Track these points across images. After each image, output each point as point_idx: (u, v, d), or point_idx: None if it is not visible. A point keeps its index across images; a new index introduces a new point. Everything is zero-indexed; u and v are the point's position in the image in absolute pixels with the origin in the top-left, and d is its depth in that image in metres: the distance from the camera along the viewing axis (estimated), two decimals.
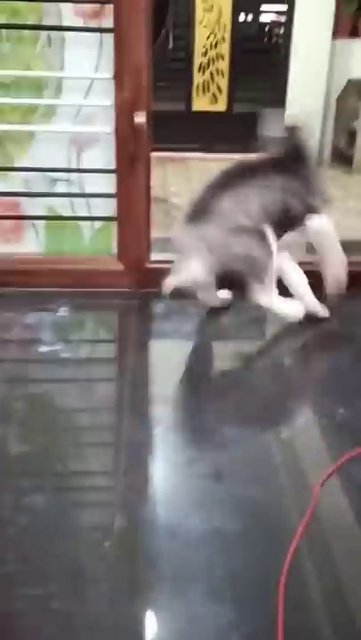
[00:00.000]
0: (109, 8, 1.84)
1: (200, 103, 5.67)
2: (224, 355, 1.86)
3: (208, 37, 5.44)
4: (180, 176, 4.96)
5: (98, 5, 1.87)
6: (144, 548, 1.07)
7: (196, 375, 1.71)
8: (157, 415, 1.50)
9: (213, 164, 5.67)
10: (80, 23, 1.89)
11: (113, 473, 1.27)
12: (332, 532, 1.12)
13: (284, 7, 5.34)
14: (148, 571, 1.03)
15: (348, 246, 3.19)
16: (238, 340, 1.93)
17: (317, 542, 1.09)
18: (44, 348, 1.77)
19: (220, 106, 5.68)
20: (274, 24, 5.77)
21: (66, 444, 1.37)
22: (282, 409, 1.53)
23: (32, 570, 1.03)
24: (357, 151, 5.05)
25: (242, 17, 5.63)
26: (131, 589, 0.99)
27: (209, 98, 5.64)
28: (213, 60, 5.52)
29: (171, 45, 5.26)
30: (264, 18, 5.74)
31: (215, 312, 2.02)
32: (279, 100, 5.52)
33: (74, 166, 2.06)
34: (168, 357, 1.81)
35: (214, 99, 5.66)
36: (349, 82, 5.26)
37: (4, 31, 1.88)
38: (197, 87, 5.61)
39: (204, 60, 5.53)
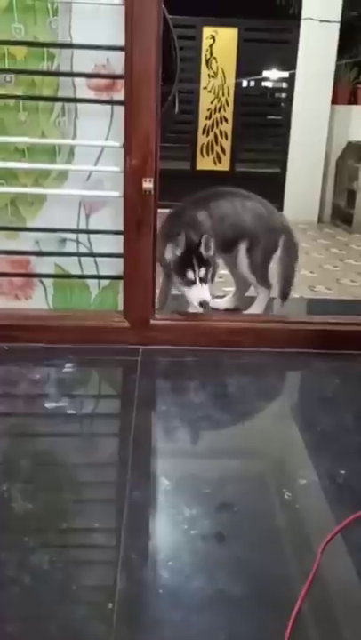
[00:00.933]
0: (121, 82, 1.96)
1: (204, 163, 5.87)
2: (224, 414, 1.89)
3: (212, 102, 5.69)
4: None
5: (110, 79, 1.98)
6: (146, 610, 1.08)
7: (199, 433, 1.74)
8: (160, 473, 1.51)
9: None
10: (93, 95, 2.00)
11: (115, 531, 1.28)
12: (334, 597, 1.13)
13: (285, 74, 5.59)
14: (150, 635, 1.03)
15: (349, 306, 3.27)
16: (239, 400, 1.96)
17: (320, 607, 1.09)
18: (49, 404, 1.80)
19: (224, 166, 5.88)
20: (276, 89, 6.03)
21: (69, 501, 1.39)
22: (284, 469, 1.55)
23: (33, 631, 1.03)
24: (357, 211, 5.19)
25: (245, 82, 5.89)
26: None
27: (213, 158, 5.85)
28: (217, 122, 5.75)
29: (177, 110, 5.48)
30: (266, 83, 6.00)
31: (216, 371, 2.06)
32: (281, 161, 5.72)
33: (83, 227, 2.15)
34: (172, 414, 1.84)
35: (218, 159, 5.86)
36: (349, 144, 5.47)
37: (21, 101, 2.00)
38: (202, 148, 5.82)
39: (209, 122, 5.76)
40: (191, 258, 2.14)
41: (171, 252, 2.17)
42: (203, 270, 2.15)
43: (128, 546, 1.23)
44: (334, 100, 5.40)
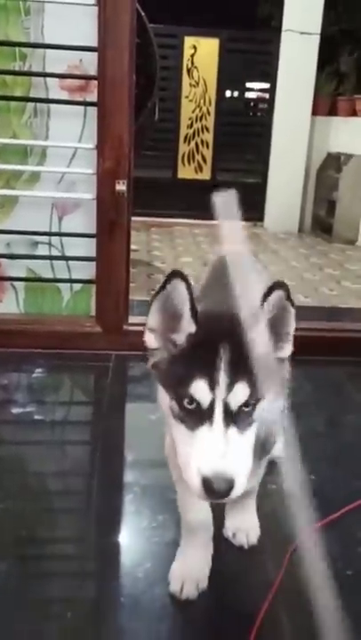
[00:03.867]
0: (94, 83, 1.93)
1: (185, 172, 5.87)
2: None
3: (194, 111, 5.69)
4: (165, 241, 5.07)
5: (83, 80, 1.96)
6: (107, 620, 1.04)
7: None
8: (129, 480, 1.48)
9: (197, 230, 5.82)
10: (66, 96, 1.98)
11: (79, 541, 1.24)
12: (298, 604, 1.09)
13: (266, 85, 5.62)
14: None
15: (323, 313, 3.27)
16: None
17: (283, 614, 1.06)
18: (17, 410, 1.76)
19: (205, 175, 5.88)
20: (257, 100, 6.06)
21: (34, 509, 1.34)
22: None
23: None
24: (337, 221, 5.22)
25: (227, 93, 5.92)
26: None
27: (194, 167, 5.85)
28: (199, 131, 5.76)
29: (157, 117, 5.49)
30: (248, 94, 6.04)
31: None
32: (262, 172, 5.74)
33: (55, 230, 2.11)
34: (142, 420, 1.80)
35: (199, 168, 5.86)
36: (329, 155, 5.50)
37: None
38: (183, 156, 5.82)
39: (190, 131, 5.76)
40: (215, 355, 0.82)
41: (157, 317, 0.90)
42: (243, 389, 0.82)
43: (92, 555, 1.19)
44: (315, 112, 5.43)
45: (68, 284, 2.17)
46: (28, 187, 2.06)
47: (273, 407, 0.87)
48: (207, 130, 5.75)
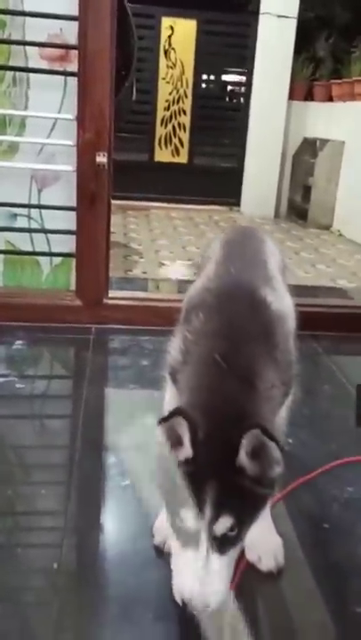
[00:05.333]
0: (74, 53, 1.92)
1: (162, 155, 5.85)
2: None
3: (170, 93, 5.67)
4: (141, 224, 5.07)
5: (64, 50, 1.95)
6: (95, 574, 1.06)
7: (150, 411, 1.72)
8: (110, 449, 1.49)
9: (174, 213, 5.82)
10: (45, 66, 1.96)
11: (61, 513, 1.24)
12: None
13: (244, 69, 5.62)
14: (92, 592, 1.01)
15: (302, 291, 3.31)
16: None
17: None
18: None
19: (182, 158, 5.87)
20: (235, 83, 6.06)
21: (14, 482, 1.34)
22: None
23: None
24: (312, 206, 5.27)
25: (204, 76, 5.90)
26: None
27: (171, 150, 5.83)
28: (176, 114, 5.74)
29: (134, 97, 5.45)
30: (225, 77, 6.03)
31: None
32: (239, 156, 5.76)
33: (35, 202, 2.10)
34: (124, 392, 1.81)
35: (176, 151, 5.85)
36: (305, 140, 5.54)
37: None
38: (160, 139, 5.80)
39: (167, 113, 5.74)
40: (204, 486, 0.87)
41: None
42: (227, 520, 0.87)
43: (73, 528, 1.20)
44: (291, 96, 5.46)
45: (48, 258, 2.16)
46: (6, 158, 2.04)
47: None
48: (184, 112, 5.73)
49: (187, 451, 0.87)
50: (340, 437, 1.58)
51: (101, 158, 1.98)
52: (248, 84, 5.55)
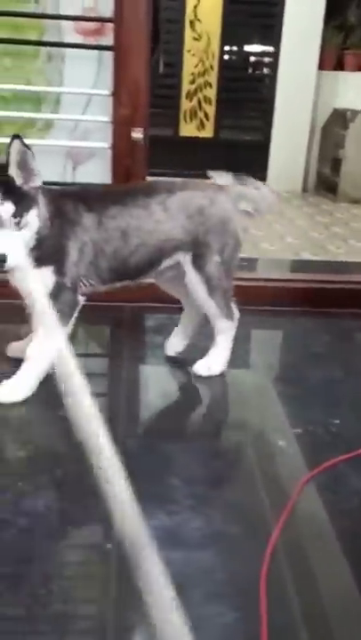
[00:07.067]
0: (109, 26, 1.88)
1: (187, 129, 5.77)
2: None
3: (196, 65, 5.57)
4: None
5: (98, 23, 1.91)
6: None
7: (184, 387, 1.72)
8: (151, 428, 1.49)
9: None
10: (80, 40, 1.93)
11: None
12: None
13: (272, 38, 5.49)
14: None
15: (335, 267, 3.27)
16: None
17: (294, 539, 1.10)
18: None
19: (208, 132, 5.79)
20: (261, 54, 5.92)
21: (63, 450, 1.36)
22: (278, 420, 1.54)
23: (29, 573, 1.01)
24: (342, 179, 5.17)
25: (231, 47, 5.77)
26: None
27: (196, 124, 5.75)
28: (201, 87, 5.64)
29: (161, 70, 5.36)
30: (252, 48, 5.89)
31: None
32: (266, 129, 5.65)
33: (69, 180, 2.08)
34: (161, 371, 1.81)
35: (201, 125, 5.77)
36: (335, 111, 5.41)
37: (5, 46, 1.91)
38: (185, 113, 5.72)
39: (192, 87, 5.64)
40: None
41: None
42: (9, 206, 1.32)
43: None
44: (321, 66, 5.33)
45: None
46: (41, 135, 2.03)
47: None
48: (210, 85, 5.64)
49: None
50: None
51: (137, 134, 1.95)
52: (276, 55, 5.42)
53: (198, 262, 1.58)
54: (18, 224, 1.33)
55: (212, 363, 1.68)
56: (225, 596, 0.98)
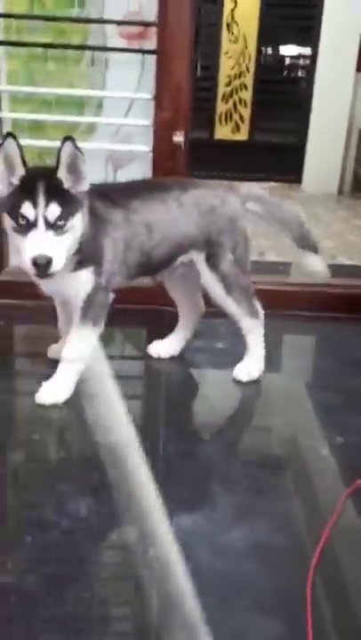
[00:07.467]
0: (153, 30, 1.89)
1: (222, 131, 5.76)
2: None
3: (233, 68, 5.55)
4: None
5: (142, 27, 1.92)
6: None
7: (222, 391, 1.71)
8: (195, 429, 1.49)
9: None
10: (124, 44, 1.94)
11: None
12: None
13: (309, 40, 5.44)
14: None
15: None
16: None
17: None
18: None
19: (243, 135, 5.76)
20: (298, 57, 5.88)
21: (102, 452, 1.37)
22: (321, 428, 1.52)
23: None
24: None
25: (267, 49, 5.74)
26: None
27: (231, 127, 5.73)
28: (237, 89, 5.62)
29: (198, 74, 5.37)
30: (289, 50, 5.85)
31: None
32: (302, 131, 5.60)
33: None
34: (199, 374, 1.81)
35: (236, 127, 5.75)
36: None
37: (49, 50, 1.93)
38: (220, 116, 5.70)
39: (228, 89, 5.63)
40: (35, 186, 1.29)
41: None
42: (55, 208, 1.29)
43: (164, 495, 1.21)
44: (359, 67, 5.25)
45: None
46: (84, 138, 2.03)
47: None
48: (245, 88, 5.61)
49: (19, 170, 1.31)
50: None
51: (178, 137, 1.95)
52: (313, 57, 5.37)
53: (212, 261, 1.60)
54: (63, 227, 1.30)
55: (251, 367, 1.68)
56: (270, 607, 0.97)
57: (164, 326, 2.03)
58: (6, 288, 2.04)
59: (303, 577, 1.02)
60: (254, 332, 1.66)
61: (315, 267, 1.70)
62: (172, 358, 1.81)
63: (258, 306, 1.67)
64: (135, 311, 2.09)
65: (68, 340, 1.51)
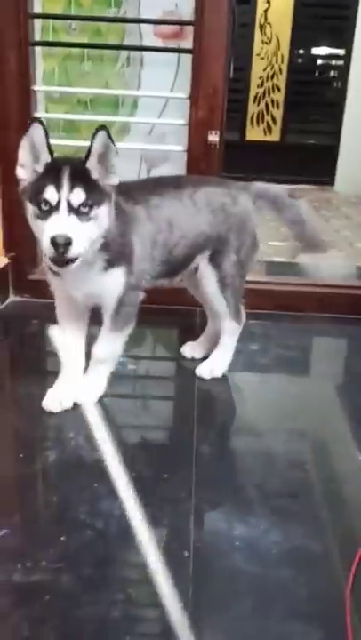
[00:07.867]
0: (189, 29, 1.88)
1: (254, 133, 5.72)
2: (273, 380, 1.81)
3: (265, 69, 5.51)
4: None
5: (178, 26, 1.91)
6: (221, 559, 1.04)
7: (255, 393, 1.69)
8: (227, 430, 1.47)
9: None
10: (160, 43, 1.93)
11: (186, 481, 1.24)
12: None
13: (343, 41, 5.38)
14: (225, 583, 0.99)
15: None
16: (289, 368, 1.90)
17: None
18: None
19: (274, 136, 5.72)
20: (331, 58, 5.81)
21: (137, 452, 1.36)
22: (358, 433, 1.49)
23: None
24: None
25: (300, 50, 5.69)
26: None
27: (263, 128, 5.69)
28: (269, 91, 5.58)
29: (231, 75, 5.35)
30: (322, 51, 5.79)
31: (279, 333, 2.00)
32: (335, 133, 5.54)
33: None
34: (234, 377, 1.79)
35: (268, 129, 5.70)
36: None
37: (86, 50, 1.94)
38: (252, 117, 5.67)
39: (260, 90, 5.59)
40: (60, 172, 1.23)
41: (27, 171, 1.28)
42: (80, 192, 1.23)
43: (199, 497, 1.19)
44: None
45: None
46: (118, 138, 2.03)
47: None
48: (278, 89, 5.57)
49: (45, 156, 1.25)
50: None
51: (213, 137, 1.94)
52: (347, 57, 5.30)
53: (216, 259, 1.59)
54: (87, 214, 1.23)
55: (215, 366, 1.69)
56: (308, 614, 0.95)
57: (196, 326, 2.02)
58: (39, 287, 2.04)
59: (341, 582, 0.99)
60: (232, 335, 1.68)
61: (313, 267, 1.69)
62: (204, 359, 1.79)
63: (243, 311, 1.68)
64: (167, 311, 2.09)
65: (98, 339, 1.50)
